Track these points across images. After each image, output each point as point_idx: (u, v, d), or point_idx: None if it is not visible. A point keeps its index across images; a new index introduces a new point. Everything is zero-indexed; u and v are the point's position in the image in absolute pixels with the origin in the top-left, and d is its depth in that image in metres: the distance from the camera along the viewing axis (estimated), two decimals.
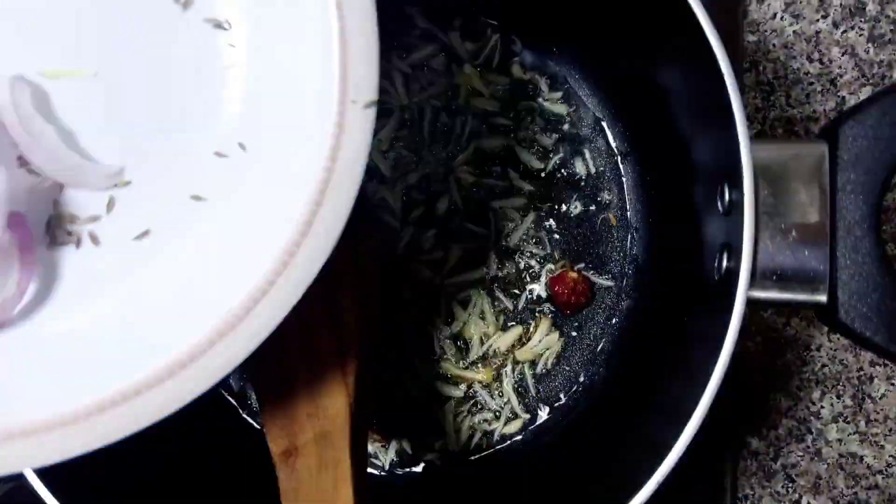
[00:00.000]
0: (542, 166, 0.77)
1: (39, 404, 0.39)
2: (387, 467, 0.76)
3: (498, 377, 0.76)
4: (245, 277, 0.40)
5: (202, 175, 0.45)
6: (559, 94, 0.78)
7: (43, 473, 0.53)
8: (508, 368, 0.76)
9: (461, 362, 0.76)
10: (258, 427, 0.77)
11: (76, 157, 0.44)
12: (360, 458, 0.56)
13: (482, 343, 0.76)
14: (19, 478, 0.53)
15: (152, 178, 0.45)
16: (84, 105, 0.45)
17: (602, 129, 0.78)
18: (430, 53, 0.78)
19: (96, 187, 0.45)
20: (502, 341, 0.76)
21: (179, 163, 0.45)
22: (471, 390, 0.76)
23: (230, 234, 0.44)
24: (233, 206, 0.44)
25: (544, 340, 0.76)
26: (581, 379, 0.77)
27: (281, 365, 0.59)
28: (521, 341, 0.76)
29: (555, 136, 0.77)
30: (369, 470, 0.76)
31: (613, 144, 0.77)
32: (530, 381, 0.76)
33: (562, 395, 0.77)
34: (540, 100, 0.78)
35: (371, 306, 0.64)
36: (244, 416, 0.77)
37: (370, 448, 0.76)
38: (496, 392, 0.76)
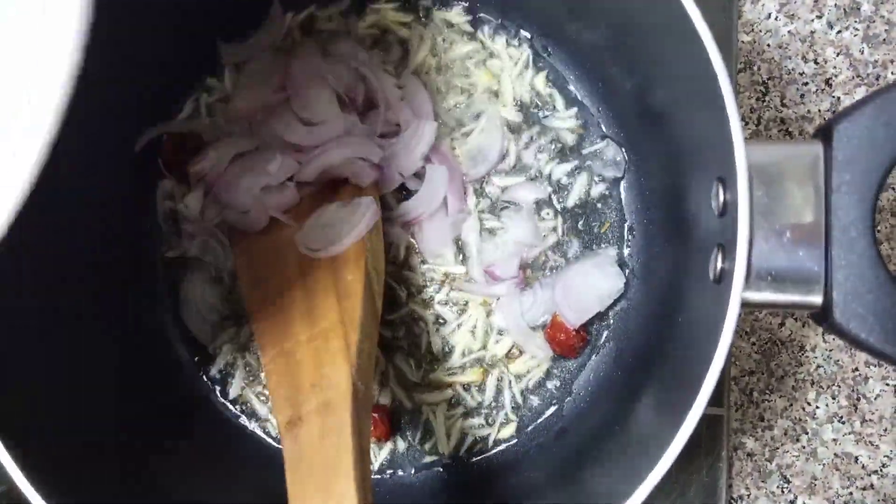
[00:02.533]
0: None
1: None
2: (376, 468, 0.76)
3: (485, 383, 0.76)
4: None
5: None
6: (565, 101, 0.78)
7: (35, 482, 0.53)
8: (500, 374, 0.76)
9: (448, 366, 0.76)
10: (253, 432, 0.77)
11: None
12: (362, 427, 0.56)
13: (464, 354, 0.76)
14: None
15: None
16: None
17: (603, 135, 0.78)
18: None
19: None
20: (498, 348, 0.76)
21: None
22: (461, 394, 0.76)
23: None
24: None
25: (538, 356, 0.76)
26: (574, 380, 0.77)
27: (286, 336, 0.60)
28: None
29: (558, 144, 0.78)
30: None
31: (611, 148, 0.77)
32: (517, 388, 0.76)
33: (554, 399, 0.77)
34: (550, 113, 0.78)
35: (374, 282, 0.65)
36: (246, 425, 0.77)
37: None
38: (488, 396, 0.76)
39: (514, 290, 0.75)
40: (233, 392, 0.77)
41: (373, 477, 0.76)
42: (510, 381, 0.76)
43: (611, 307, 0.76)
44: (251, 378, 0.76)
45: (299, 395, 0.57)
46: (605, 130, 0.78)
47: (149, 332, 0.76)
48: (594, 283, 0.75)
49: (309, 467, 0.53)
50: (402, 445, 0.76)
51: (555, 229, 0.77)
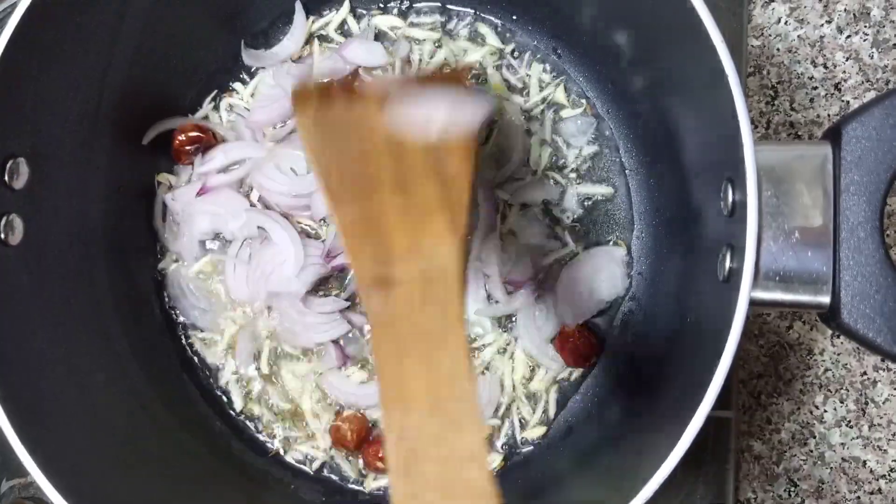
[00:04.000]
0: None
1: None
2: None
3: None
4: None
5: None
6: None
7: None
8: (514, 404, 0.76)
9: None
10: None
11: None
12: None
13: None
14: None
15: None
16: None
17: (612, 136, 0.78)
18: None
19: None
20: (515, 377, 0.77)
21: None
22: None
23: None
24: None
25: None
26: (583, 380, 0.77)
27: (370, 199, 0.54)
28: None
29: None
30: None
31: (621, 150, 0.78)
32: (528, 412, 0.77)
33: (561, 398, 0.77)
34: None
35: (474, 187, 0.57)
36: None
37: None
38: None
39: (529, 304, 0.75)
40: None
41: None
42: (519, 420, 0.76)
43: (619, 308, 0.76)
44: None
45: (391, 256, 0.50)
46: (615, 131, 0.78)
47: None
48: (597, 284, 0.75)
49: (408, 333, 0.47)
50: None
51: (564, 231, 0.77)
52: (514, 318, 0.76)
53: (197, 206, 0.76)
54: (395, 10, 0.80)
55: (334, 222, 0.55)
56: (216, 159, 0.76)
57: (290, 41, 0.79)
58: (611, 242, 0.77)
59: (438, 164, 0.54)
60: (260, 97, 0.78)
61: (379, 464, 0.74)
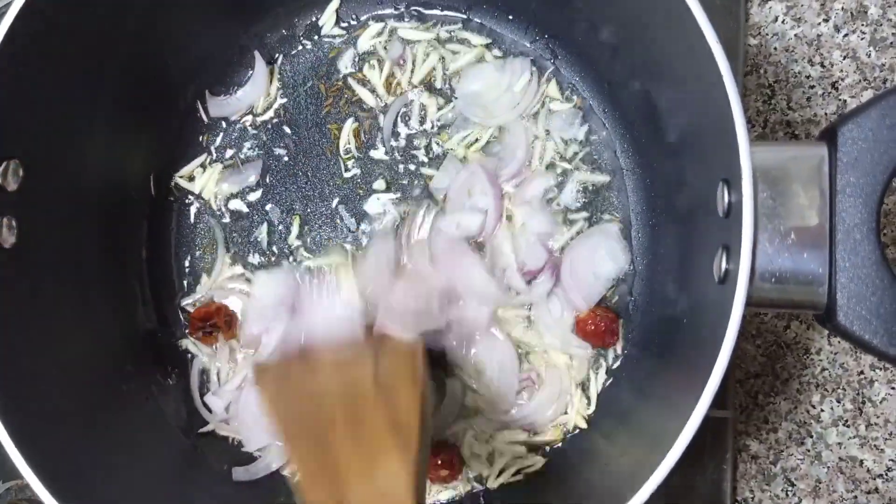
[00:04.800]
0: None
1: None
2: None
3: None
4: None
5: None
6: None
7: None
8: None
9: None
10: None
11: None
12: None
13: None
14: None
15: None
16: None
17: (609, 137, 0.78)
18: None
19: None
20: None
21: None
22: None
23: None
24: None
25: None
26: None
27: (323, 441, 0.59)
28: None
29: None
30: None
31: (617, 151, 0.78)
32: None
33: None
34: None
35: (425, 408, 0.63)
36: None
37: None
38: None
39: (549, 290, 0.75)
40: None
41: None
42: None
43: (616, 308, 0.76)
44: None
45: (345, 484, 0.55)
46: (611, 132, 0.78)
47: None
48: (599, 263, 0.75)
49: None
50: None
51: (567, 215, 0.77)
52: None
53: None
54: (391, 16, 0.80)
55: (288, 458, 0.61)
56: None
57: (253, 88, 0.79)
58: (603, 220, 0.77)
59: (389, 412, 0.59)
60: (252, 310, 0.76)
61: (441, 472, 0.74)
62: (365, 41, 0.80)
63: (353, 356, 0.67)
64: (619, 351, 0.76)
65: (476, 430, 0.75)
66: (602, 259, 0.75)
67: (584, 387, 0.76)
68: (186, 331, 0.77)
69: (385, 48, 0.79)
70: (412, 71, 0.79)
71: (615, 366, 0.76)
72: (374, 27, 0.80)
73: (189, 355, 0.78)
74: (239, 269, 0.78)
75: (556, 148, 0.78)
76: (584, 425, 0.75)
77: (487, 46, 0.79)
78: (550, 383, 0.75)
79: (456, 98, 0.79)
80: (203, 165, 0.79)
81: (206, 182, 0.79)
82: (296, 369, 0.66)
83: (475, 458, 0.75)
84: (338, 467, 0.56)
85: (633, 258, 0.76)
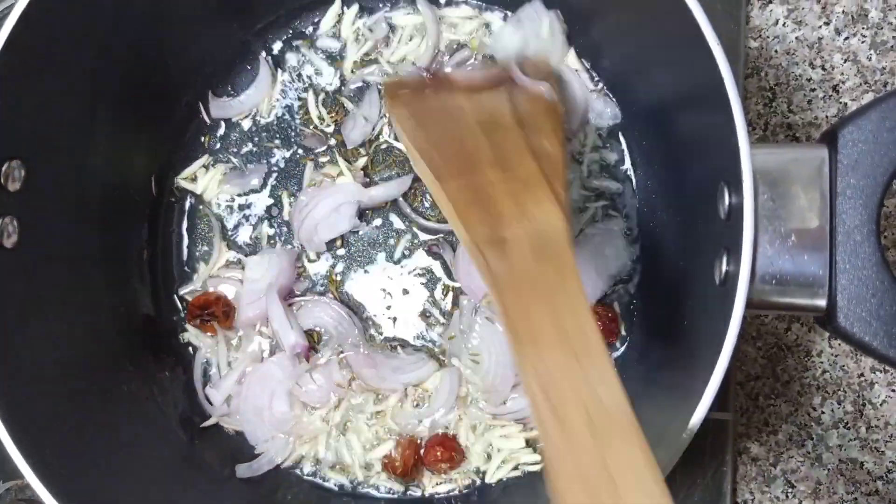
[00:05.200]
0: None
1: None
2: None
3: None
4: None
5: None
6: None
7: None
8: None
9: None
10: None
11: None
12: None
13: None
14: None
15: None
16: None
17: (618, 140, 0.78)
18: None
19: None
20: None
21: None
22: None
23: None
24: None
25: None
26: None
27: (473, 171, 0.56)
28: None
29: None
30: None
31: (625, 153, 0.78)
32: None
33: None
34: None
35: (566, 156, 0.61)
36: None
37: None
38: None
39: None
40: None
41: None
42: None
43: (616, 307, 0.76)
44: None
45: (500, 221, 0.52)
46: (612, 135, 0.78)
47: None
48: (603, 260, 0.75)
49: (527, 284, 0.50)
50: None
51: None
52: None
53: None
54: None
55: (440, 198, 0.56)
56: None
57: (256, 90, 0.79)
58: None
59: (532, 144, 0.57)
60: (246, 293, 0.76)
61: (441, 465, 0.74)
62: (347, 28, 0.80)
63: (487, 88, 0.63)
64: (618, 349, 0.76)
65: (471, 420, 0.75)
66: (605, 256, 0.75)
67: None
68: (184, 317, 0.78)
69: (370, 30, 0.79)
70: (396, 48, 0.79)
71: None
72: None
73: (190, 349, 0.78)
74: (234, 254, 0.78)
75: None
76: None
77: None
78: None
79: None
80: (206, 166, 0.79)
81: (208, 183, 0.79)
82: (431, 91, 0.63)
83: (473, 452, 0.75)
84: (492, 200, 0.54)
85: (635, 257, 0.76)
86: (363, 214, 0.77)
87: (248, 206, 0.79)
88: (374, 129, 0.78)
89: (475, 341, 0.75)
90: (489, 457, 0.75)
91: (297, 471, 0.76)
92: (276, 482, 0.75)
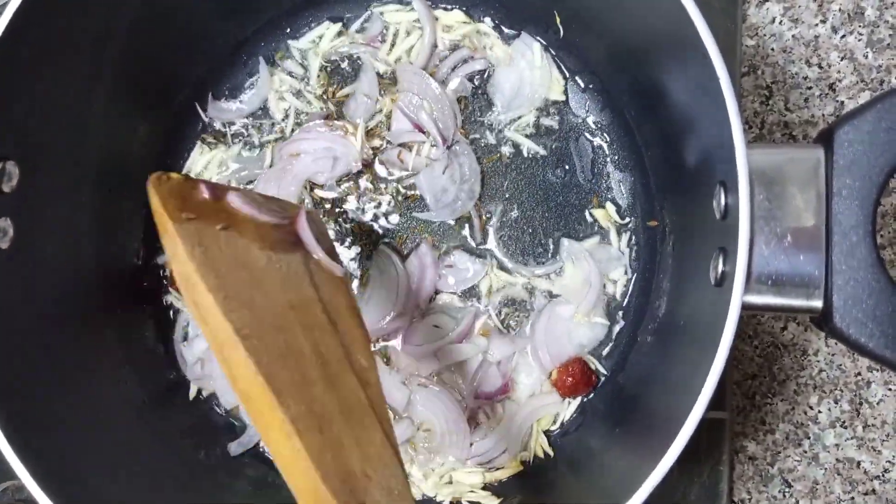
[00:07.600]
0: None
1: None
2: None
3: None
4: None
5: None
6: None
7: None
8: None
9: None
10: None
11: None
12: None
13: None
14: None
15: None
16: None
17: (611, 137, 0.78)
18: None
19: None
20: None
21: None
22: None
23: None
24: None
25: None
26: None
27: (310, 396, 0.51)
28: None
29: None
30: None
31: (615, 150, 0.78)
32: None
33: None
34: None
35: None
36: None
37: None
38: None
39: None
40: None
41: None
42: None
43: (611, 312, 0.76)
44: None
45: (356, 483, 0.49)
46: (607, 135, 0.78)
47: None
48: (576, 326, 0.75)
49: None
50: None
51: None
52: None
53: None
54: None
55: (285, 443, 0.48)
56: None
57: (255, 92, 0.79)
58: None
59: (349, 357, 0.54)
60: None
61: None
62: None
63: (280, 241, 0.54)
64: (619, 349, 0.76)
65: (433, 469, 0.75)
66: (580, 325, 0.75)
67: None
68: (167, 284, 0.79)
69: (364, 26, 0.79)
70: (391, 48, 0.79)
71: (602, 379, 0.76)
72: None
73: (171, 312, 0.79)
74: None
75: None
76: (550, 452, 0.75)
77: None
78: (509, 418, 0.75)
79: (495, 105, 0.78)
80: (204, 167, 0.79)
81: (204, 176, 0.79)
82: (222, 226, 0.51)
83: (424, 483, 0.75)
84: (325, 417, 0.48)
85: (628, 267, 0.76)
86: None
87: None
88: (377, 104, 0.78)
89: (419, 409, 0.75)
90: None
91: None
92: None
